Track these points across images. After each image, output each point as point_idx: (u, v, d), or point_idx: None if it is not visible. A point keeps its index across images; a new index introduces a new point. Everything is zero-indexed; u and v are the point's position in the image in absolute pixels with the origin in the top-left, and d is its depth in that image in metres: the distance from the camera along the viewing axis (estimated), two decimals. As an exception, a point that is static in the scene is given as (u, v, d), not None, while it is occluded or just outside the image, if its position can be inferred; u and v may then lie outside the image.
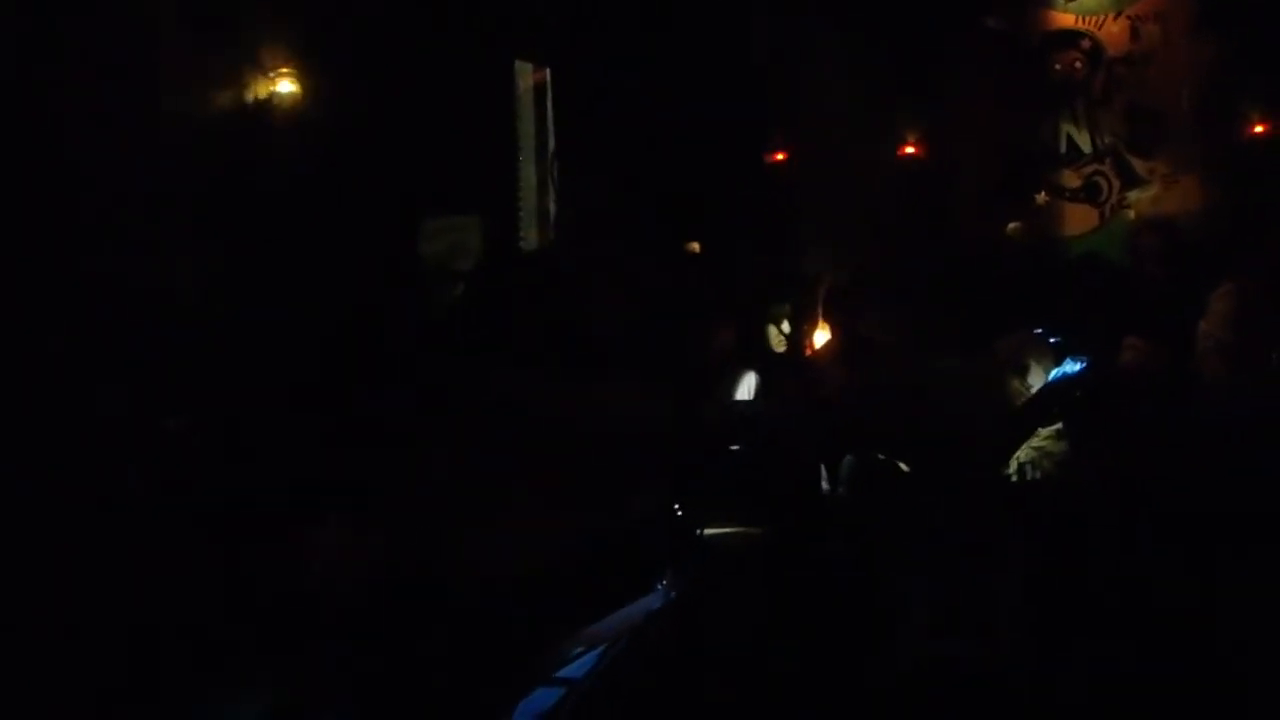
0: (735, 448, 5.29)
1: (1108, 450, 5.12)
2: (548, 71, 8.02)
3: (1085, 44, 8.91)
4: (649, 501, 4.03)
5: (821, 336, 7.04)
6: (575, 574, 3.43)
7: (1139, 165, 8.79)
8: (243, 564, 3.63)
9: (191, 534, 3.98)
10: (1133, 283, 6.06)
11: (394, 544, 3.44)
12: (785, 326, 6.90)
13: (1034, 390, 5.79)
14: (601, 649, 3.33)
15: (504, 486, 3.49)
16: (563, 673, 3.26)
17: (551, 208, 7.98)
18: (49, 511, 3.96)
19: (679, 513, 4.26)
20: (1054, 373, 5.61)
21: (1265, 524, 4.41)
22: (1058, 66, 8.95)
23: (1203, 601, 4.22)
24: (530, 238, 7.84)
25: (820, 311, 7.01)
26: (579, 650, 3.30)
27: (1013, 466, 5.58)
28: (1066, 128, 8.96)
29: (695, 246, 7.87)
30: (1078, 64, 8.91)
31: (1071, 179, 8.96)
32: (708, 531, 4.49)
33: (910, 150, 8.91)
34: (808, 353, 6.89)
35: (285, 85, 5.47)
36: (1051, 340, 5.84)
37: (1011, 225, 8.39)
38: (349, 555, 3.45)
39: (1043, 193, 8.94)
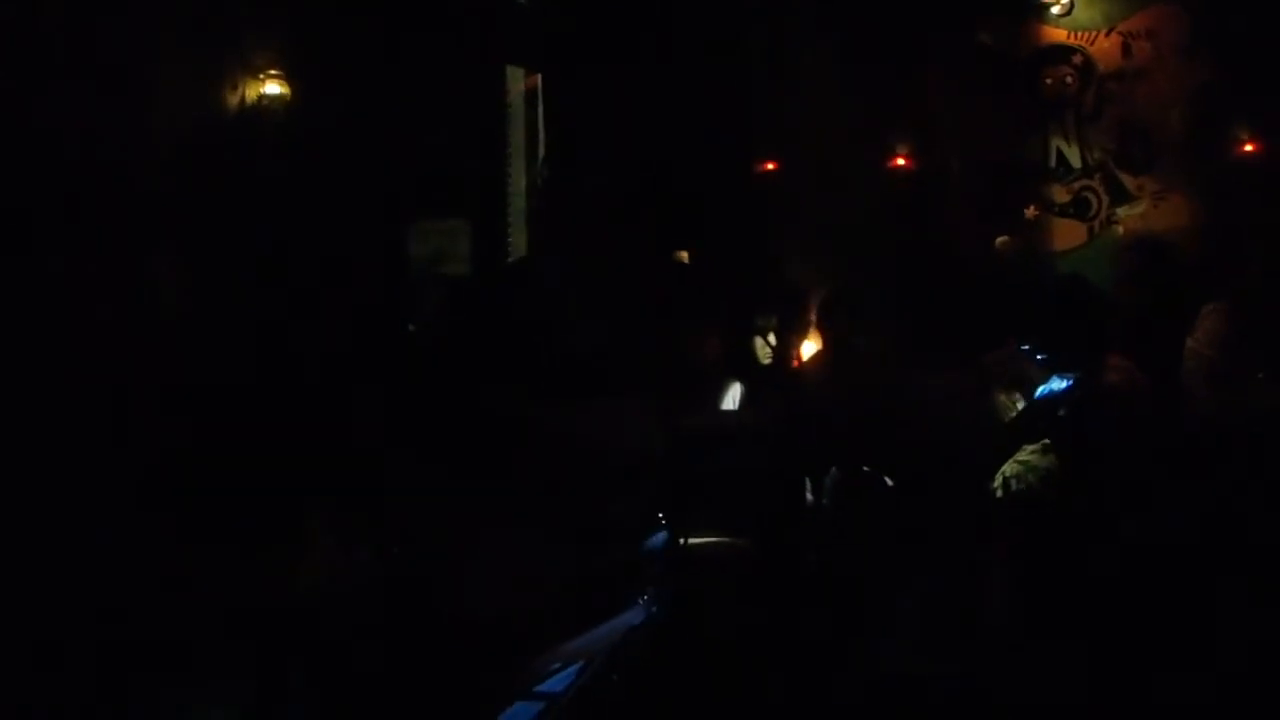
0: (720, 459, 5.28)
1: (1092, 466, 5.13)
2: (539, 77, 8.01)
3: (1077, 59, 8.91)
4: (633, 515, 4.02)
5: (810, 348, 7.03)
6: (559, 588, 3.43)
7: (1129, 181, 8.80)
8: (225, 573, 3.62)
9: (177, 540, 3.96)
10: (1117, 300, 6.05)
11: (380, 557, 3.43)
12: (771, 338, 6.89)
13: (1020, 406, 5.79)
14: (581, 664, 3.33)
15: (490, 502, 3.49)
16: (542, 687, 3.25)
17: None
18: (36, 514, 3.94)
19: (664, 523, 4.25)
20: (1040, 389, 5.61)
21: (1245, 538, 4.43)
22: (1049, 81, 8.95)
23: (1186, 616, 4.23)
24: (518, 243, 7.83)
25: (810, 323, 7.00)
26: (558, 665, 3.30)
27: (997, 481, 5.57)
28: (1057, 142, 8.97)
29: (683, 256, 7.86)
30: (1069, 79, 8.92)
31: (1061, 194, 8.96)
32: (692, 541, 4.48)
33: (900, 162, 8.90)
34: (795, 364, 6.88)
35: (274, 87, 5.44)
36: (1039, 356, 5.84)
37: (1000, 239, 8.39)
38: (335, 567, 3.44)
39: (1032, 207, 8.94)
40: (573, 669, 3.27)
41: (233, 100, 5.35)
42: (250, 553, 3.67)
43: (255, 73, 5.40)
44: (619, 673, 3.32)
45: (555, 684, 3.24)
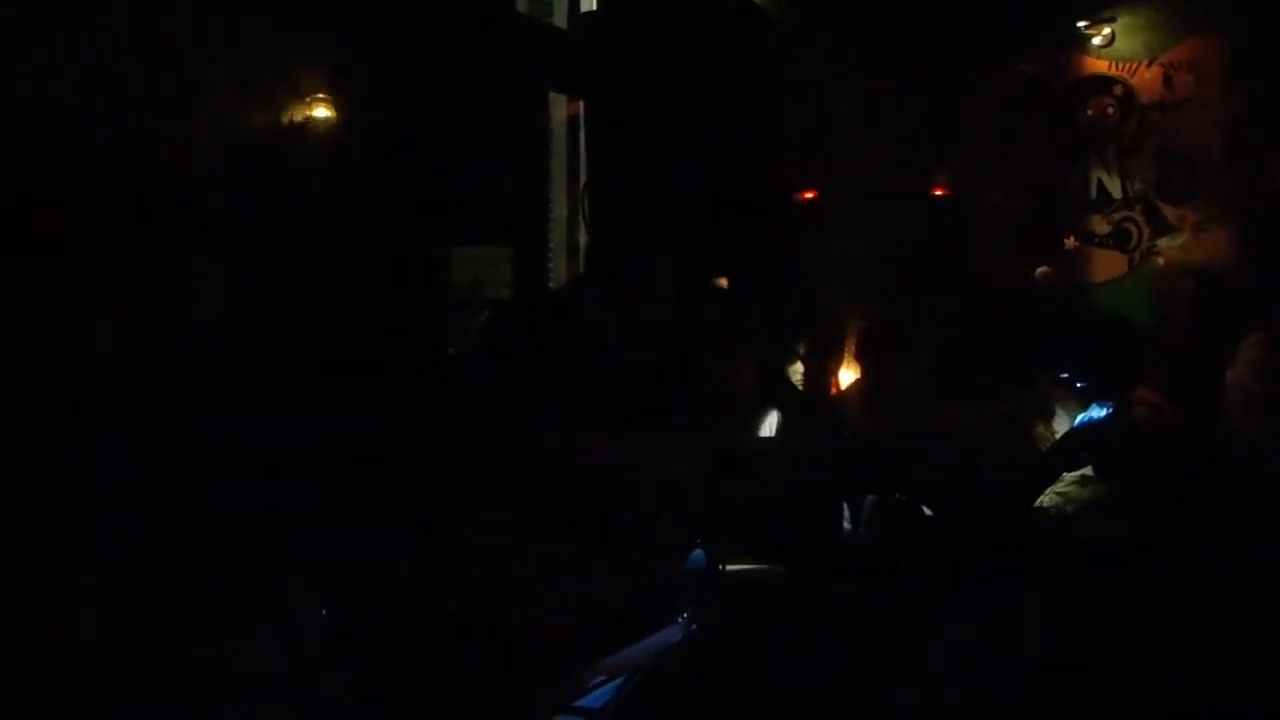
0: (757, 486, 5.29)
1: (1133, 494, 5.13)
2: (581, 104, 8.04)
3: (1118, 90, 8.91)
4: (673, 537, 4.04)
5: (848, 376, 7.04)
6: (601, 607, 3.45)
7: (1169, 212, 8.78)
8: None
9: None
10: (1157, 332, 6.04)
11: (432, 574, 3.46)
12: (800, 366, 6.89)
13: (1059, 435, 5.78)
14: (621, 680, 3.35)
15: (533, 524, 3.52)
16: (582, 702, 3.27)
17: (581, 240, 8.00)
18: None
19: (702, 549, 4.26)
20: (1079, 418, 5.60)
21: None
22: (1090, 112, 8.96)
23: (1225, 643, 4.22)
24: (559, 270, 7.86)
25: (847, 352, 7.01)
26: (598, 680, 3.32)
27: (1035, 512, 5.56)
28: (1097, 173, 8.96)
29: (722, 283, 7.87)
30: (1110, 110, 8.92)
31: (1101, 225, 8.95)
32: (729, 568, 4.48)
33: (938, 192, 8.91)
34: (834, 392, 6.88)
35: (320, 111, 5.49)
36: (1077, 385, 5.84)
37: (1040, 270, 8.39)
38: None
39: (1072, 238, 8.94)
40: (613, 684, 3.29)
41: (277, 123, 5.40)
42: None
43: (301, 96, 5.46)
44: (658, 690, 3.34)
45: (596, 699, 3.27)
